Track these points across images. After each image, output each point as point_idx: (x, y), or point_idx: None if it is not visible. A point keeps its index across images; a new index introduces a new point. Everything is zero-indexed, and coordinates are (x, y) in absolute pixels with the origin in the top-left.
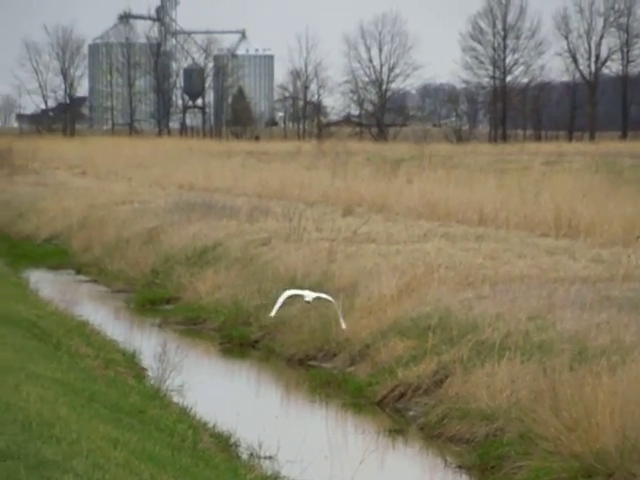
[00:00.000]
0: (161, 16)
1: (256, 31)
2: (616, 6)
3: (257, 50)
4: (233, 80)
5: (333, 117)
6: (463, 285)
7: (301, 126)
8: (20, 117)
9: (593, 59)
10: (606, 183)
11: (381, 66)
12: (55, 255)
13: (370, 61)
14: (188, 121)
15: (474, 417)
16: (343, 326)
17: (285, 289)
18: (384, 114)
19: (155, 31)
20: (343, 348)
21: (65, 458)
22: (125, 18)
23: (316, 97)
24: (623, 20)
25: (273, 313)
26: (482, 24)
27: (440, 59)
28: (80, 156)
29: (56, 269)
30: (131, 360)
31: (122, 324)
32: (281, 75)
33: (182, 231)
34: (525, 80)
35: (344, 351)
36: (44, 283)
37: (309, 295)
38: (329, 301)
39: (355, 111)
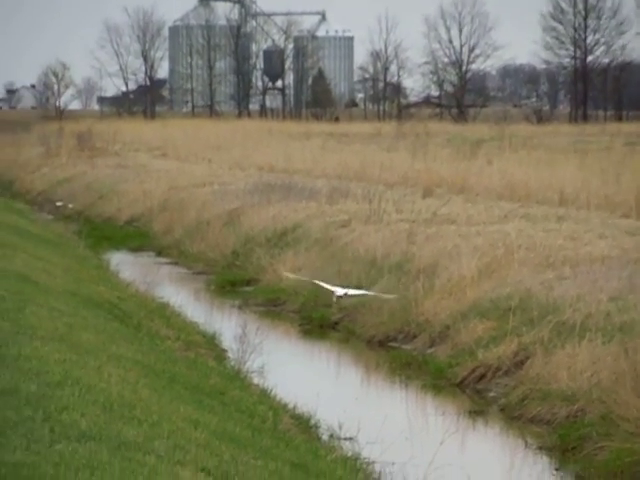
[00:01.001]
0: None
1: (336, 13)
2: None
3: (337, 32)
4: (313, 61)
5: (413, 98)
6: (543, 266)
7: (381, 107)
8: (101, 99)
9: None
10: None
11: (461, 47)
12: (136, 237)
13: (450, 42)
14: (268, 103)
15: (555, 398)
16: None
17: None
18: (464, 95)
19: (235, 13)
20: (423, 329)
21: (146, 439)
22: (205, 0)
23: (396, 78)
24: None
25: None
26: (563, 4)
27: (520, 40)
28: (160, 138)
29: (137, 251)
30: (211, 342)
31: (202, 306)
32: (361, 56)
33: (262, 213)
34: (606, 60)
35: (424, 332)
36: (125, 265)
37: (340, 290)
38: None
39: (435, 92)
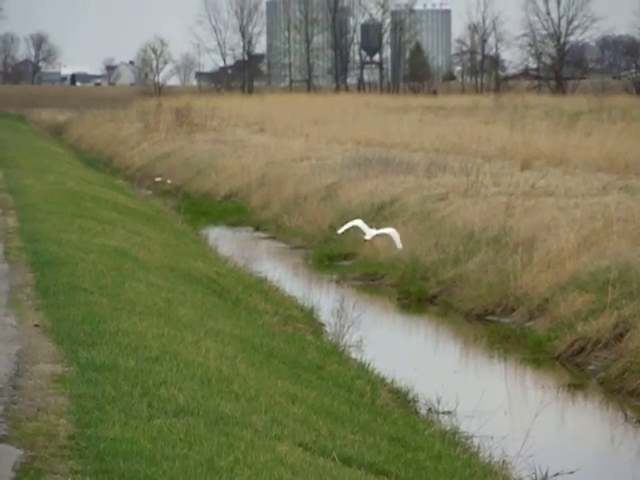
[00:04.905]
0: None
1: None
2: None
3: (434, 5)
4: (410, 35)
5: (511, 71)
6: None
7: (479, 80)
8: (199, 75)
9: None
10: None
11: (559, 19)
12: (234, 212)
13: (548, 14)
14: (365, 77)
15: None
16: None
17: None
18: (562, 67)
19: None
20: (521, 303)
21: (244, 414)
22: None
23: (494, 51)
24: None
25: (340, 231)
26: None
27: (619, 10)
28: (258, 113)
29: (235, 226)
30: (309, 316)
31: (300, 280)
32: (458, 29)
33: (359, 187)
34: None
35: (522, 306)
36: (223, 240)
37: (370, 233)
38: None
39: (533, 64)
